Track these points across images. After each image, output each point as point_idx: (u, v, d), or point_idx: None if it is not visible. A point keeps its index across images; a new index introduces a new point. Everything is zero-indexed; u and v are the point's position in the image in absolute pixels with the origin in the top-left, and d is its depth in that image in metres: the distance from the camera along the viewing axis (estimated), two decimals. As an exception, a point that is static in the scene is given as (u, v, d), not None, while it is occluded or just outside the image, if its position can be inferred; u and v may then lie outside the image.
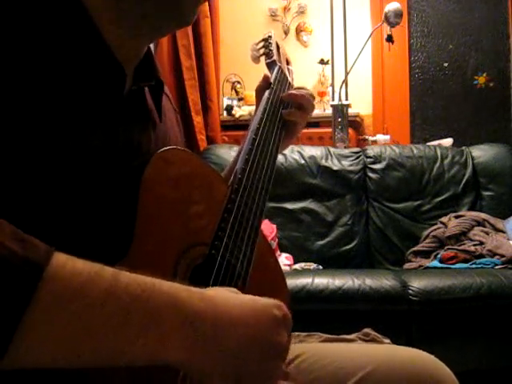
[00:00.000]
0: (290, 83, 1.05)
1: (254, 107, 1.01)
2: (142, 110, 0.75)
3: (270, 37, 1.10)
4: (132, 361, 0.51)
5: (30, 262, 0.46)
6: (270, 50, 1.08)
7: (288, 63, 1.14)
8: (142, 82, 0.75)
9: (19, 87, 0.57)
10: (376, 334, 1.03)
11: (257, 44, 1.10)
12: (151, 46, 0.79)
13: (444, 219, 2.59)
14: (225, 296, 0.58)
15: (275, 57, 1.07)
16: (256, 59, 1.10)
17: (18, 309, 0.45)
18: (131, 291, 0.51)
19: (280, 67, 1.05)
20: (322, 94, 3.52)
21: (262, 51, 1.09)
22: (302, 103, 0.99)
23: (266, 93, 0.97)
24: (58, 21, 0.64)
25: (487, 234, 2.45)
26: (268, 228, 2.49)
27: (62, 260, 0.48)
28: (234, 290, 0.62)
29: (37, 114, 0.58)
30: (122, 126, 0.69)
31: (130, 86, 0.73)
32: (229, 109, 3.46)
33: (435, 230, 2.55)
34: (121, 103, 0.70)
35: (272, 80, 1.01)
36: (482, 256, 2.32)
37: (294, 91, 1.00)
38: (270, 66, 1.07)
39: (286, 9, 3.67)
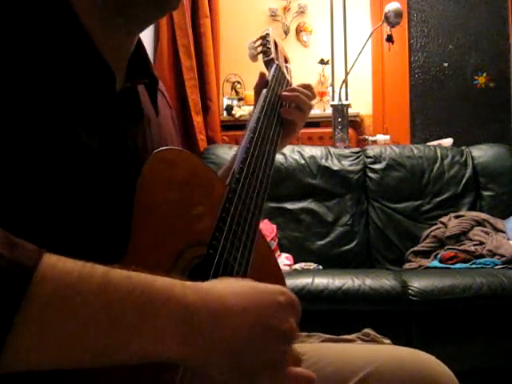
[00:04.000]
0: (288, 81, 1.05)
1: (253, 106, 1.01)
2: (136, 107, 0.75)
3: (267, 34, 1.09)
4: (128, 359, 0.50)
5: (20, 264, 0.46)
6: (268, 47, 1.07)
7: (286, 61, 1.13)
8: (135, 80, 0.74)
9: (11, 92, 0.57)
10: (376, 334, 1.03)
11: (254, 42, 1.09)
12: (146, 43, 0.78)
13: (444, 219, 2.59)
14: (222, 286, 0.57)
15: (273, 55, 1.06)
16: (254, 57, 1.09)
17: (8, 312, 0.44)
18: (123, 288, 0.50)
19: (278, 65, 1.05)
20: (322, 94, 3.52)
21: (259, 49, 1.09)
22: (297, 104, 0.99)
23: (264, 91, 0.96)
24: (43, 19, 0.63)
25: (487, 233, 2.45)
26: (268, 228, 2.49)
27: (52, 261, 0.48)
28: (238, 279, 0.62)
29: (31, 117, 0.58)
30: (117, 125, 0.69)
31: (123, 83, 0.72)
32: (229, 109, 3.46)
33: (435, 230, 2.55)
34: (114, 101, 0.69)
35: (269, 78, 1.00)
36: (482, 256, 2.32)
37: (287, 92, 1.00)
38: (268, 64, 1.06)
39: (286, 9, 3.67)
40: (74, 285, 0.48)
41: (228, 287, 0.58)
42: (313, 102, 1.03)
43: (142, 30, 0.75)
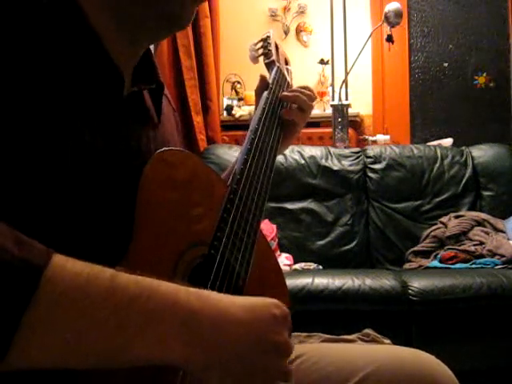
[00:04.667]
0: (288, 83, 1.05)
1: (254, 107, 1.01)
2: (142, 112, 0.75)
3: (268, 37, 1.10)
4: (131, 361, 0.51)
5: (29, 263, 0.46)
6: (269, 50, 1.08)
7: (287, 63, 1.14)
8: (142, 84, 0.75)
9: (20, 92, 0.57)
10: (376, 334, 1.03)
11: (255, 44, 1.10)
12: (151, 46, 0.78)
13: (444, 219, 2.59)
14: (224, 296, 0.59)
15: (274, 57, 1.07)
16: (255, 59, 1.10)
17: (17, 310, 0.45)
18: (130, 292, 0.51)
19: (279, 67, 1.05)
20: (322, 94, 3.52)
21: (260, 51, 1.09)
22: (298, 104, 0.99)
23: (265, 93, 0.97)
24: (57, 26, 0.64)
25: (487, 233, 2.45)
26: (268, 228, 2.49)
27: (61, 262, 0.49)
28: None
29: (36, 117, 0.58)
30: (121, 127, 0.69)
31: (130, 87, 0.73)
32: (229, 109, 3.46)
33: (435, 229, 2.55)
34: (120, 105, 0.70)
35: (270, 80, 1.01)
36: (482, 256, 2.32)
37: (287, 92, 1.00)
38: (269, 66, 1.07)
39: (286, 9, 3.67)
40: (82, 287, 0.48)
41: (228, 297, 0.59)
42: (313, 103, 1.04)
43: (152, 43, 0.76)
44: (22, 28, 0.60)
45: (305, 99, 1.00)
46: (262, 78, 1.02)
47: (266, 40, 1.09)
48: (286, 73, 1.07)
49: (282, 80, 1.03)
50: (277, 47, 1.11)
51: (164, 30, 0.74)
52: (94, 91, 0.66)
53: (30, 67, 0.59)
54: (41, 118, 0.58)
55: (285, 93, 1.00)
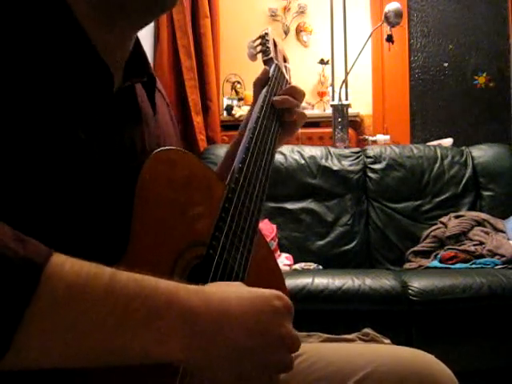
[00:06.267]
0: (287, 80, 1.05)
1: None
2: (134, 107, 0.75)
3: (266, 34, 1.09)
4: (131, 359, 0.51)
5: (30, 261, 0.46)
6: (267, 47, 1.07)
7: (285, 60, 1.13)
8: (133, 79, 0.74)
9: (10, 90, 0.57)
10: (376, 334, 1.03)
11: (254, 41, 1.09)
12: (146, 43, 0.77)
13: (444, 219, 2.59)
14: (223, 291, 0.58)
15: (272, 54, 1.06)
16: (253, 57, 1.09)
17: (18, 308, 0.45)
18: (129, 290, 0.51)
19: (277, 65, 1.05)
20: (321, 94, 3.51)
21: (258, 49, 1.08)
22: (290, 106, 0.98)
23: (264, 90, 0.96)
24: (42, 20, 0.63)
25: (487, 233, 2.44)
26: (268, 228, 2.49)
27: (61, 260, 0.49)
28: (236, 283, 0.62)
29: (25, 116, 0.58)
30: (114, 123, 0.69)
31: (121, 83, 0.72)
32: (229, 109, 3.46)
33: (435, 230, 2.55)
34: (111, 101, 0.69)
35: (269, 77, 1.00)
36: (482, 256, 2.32)
37: (277, 98, 0.97)
38: (267, 63, 1.06)
39: (286, 9, 3.67)
40: (81, 285, 0.48)
41: (228, 291, 0.58)
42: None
43: (141, 28, 0.75)
44: (6, 24, 0.59)
45: (294, 102, 0.98)
46: (265, 72, 1.01)
47: (264, 37, 1.09)
48: (284, 70, 1.06)
49: (280, 77, 1.02)
50: (275, 44, 1.10)
51: (149, 12, 0.72)
52: (83, 88, 0.65)
53: (19, 65, 0.59)
54: (33, 118, 0.58)
55: (276, 98, 0.97)
